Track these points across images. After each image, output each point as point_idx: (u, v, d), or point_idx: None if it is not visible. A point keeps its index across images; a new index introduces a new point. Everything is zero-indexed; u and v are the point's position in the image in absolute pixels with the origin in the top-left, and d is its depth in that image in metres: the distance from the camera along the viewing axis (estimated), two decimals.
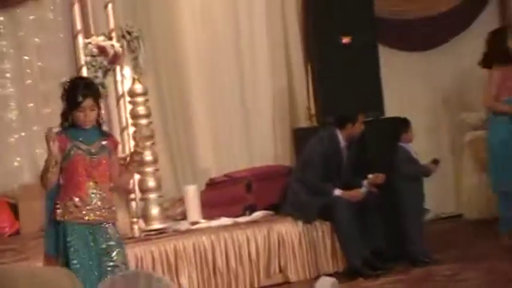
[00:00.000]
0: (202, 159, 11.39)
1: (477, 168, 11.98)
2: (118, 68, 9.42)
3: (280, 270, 9.46)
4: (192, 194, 10.16)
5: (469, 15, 12.84)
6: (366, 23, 10.79)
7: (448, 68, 12.70)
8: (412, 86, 12.51)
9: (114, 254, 6.50)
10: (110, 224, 6.60)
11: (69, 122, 6.55)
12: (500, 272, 8.82)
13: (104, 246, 6.50)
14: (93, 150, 6.58)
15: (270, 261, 9.40)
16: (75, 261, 6.36)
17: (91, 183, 6.56)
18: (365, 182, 9.62)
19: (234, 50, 11.66)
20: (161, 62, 11.36)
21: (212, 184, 10.70)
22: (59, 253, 6.45)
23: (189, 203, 10.09)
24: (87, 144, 6.62)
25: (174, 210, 10.38)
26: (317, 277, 9.35)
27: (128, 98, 9.45)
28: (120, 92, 9.44)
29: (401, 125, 10.11)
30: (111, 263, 6.47)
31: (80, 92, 6.58)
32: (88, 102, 6.59)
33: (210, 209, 10.12)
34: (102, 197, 6.59)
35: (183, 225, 9.79)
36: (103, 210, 6.59)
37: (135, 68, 9.54)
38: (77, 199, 6.51)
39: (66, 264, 6.38)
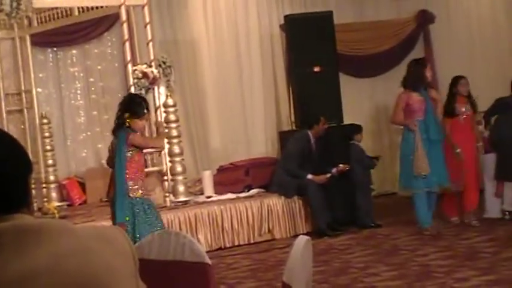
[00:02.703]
0: (215, 152, 11.42)
1: None
2: (156, 87, 9.42)
3: (269, 230, 9.44)
4: (207, 176, 10.16)
5: (402, 53, 12.84)
6: (331, 57, 10.76)
7: (387, 90, 12.67)
8: (362, 102, 12.52)
9: None
10: None
11: (127, 129, 6.51)
12: (424, 232, 8.83)
13: None
14: None
15: (261, 224, 9.38)
16: None
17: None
18: (334, 170, 9.57)
19: (238, 79, 11.73)
20: (186, 84, 11.38)
21: (221, 169, 10.68)
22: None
23: (205, 183, 10.10)
24: None
25: (195, 187, 10.40)
26: (295, 235, 9.44)
27: (162, 109, 9.46)
28: (157, 104, 9.44)
29: (355, 128, 10.13)
30: None
31: (145, 105, 6.59)
32: (148, 114, 6.64)
33: (220, 187, 10.11)
34: None
35: (201, 198, 9.79)
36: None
37: (168, 87, 9.52)
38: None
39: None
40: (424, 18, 12.97)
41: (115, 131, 6.63)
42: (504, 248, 7.42)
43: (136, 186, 6.50)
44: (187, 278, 3.04)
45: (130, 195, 6.47)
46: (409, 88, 8.84)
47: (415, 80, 8.79)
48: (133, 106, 6.56)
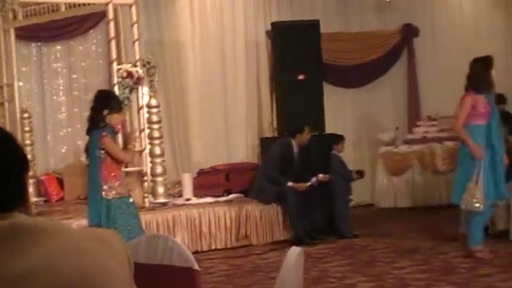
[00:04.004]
0: (195, 155, 11.43)
1: (386, 172, 12.02)
2: (140, 87, 9.37)
3: (246, 236, 9.42)
4: (187, 179, 10.12)
5: (386, 65, 12.92)
6: (316, 66, 10.80)
7: (370, 101, 12.75)
8: (345, 112, 12.56)
9: None
10: None
11: (103, 124, 6.46)
12: (400, 244, 8.85)
13: None
14: None
15: (239, 229, 9.36)
16: None
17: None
18: (314, 179, 9.56)
19: (221, 82, 11.76)
20: (169, 86, 11.38)
21: (202, 173, 10.66)
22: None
23: (185, 185, 10.05)
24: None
25: (174, 189, 10.36)
26: (272, 242, 9.45)
27: (145, 109, 9.41)
28: (140, 105, 9.39)
29: (336, 138, 10.13)
30: None
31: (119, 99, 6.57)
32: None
33: (199, 190, 10.07)
34: None
35: (180, 201, 9.75)
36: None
37: (151, 88, 9.50)
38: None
39: None
40: (409, 32, 13.07)
41: (89, 130, 6.57)
42: (480, 264, 7.45)
43: (111, 187, 6.43)
44: (175, 282, 3.02)
45: (105, 196, 6.39)
46: (472, 90, 7.82)
47: (479, 82, 7.81)
48: (111, 102, 6.55)
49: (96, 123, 6.48)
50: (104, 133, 6.40)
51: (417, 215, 11.06)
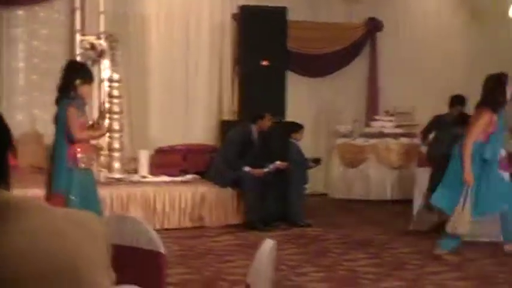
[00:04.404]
0: (153, 132, 11.34)
1: (342, 164, 12.12)
2: (102, 60, 9.29)
3: (200, 218, 9.42)
4: (144, 156, 10.08)
5: (349, 57, 12.99)
6: (281, 54, 10.80)
7: (331, 92, 12.83)
8: (305, 101, 12.60)
9: None
10: None
11: (73, 95, 6.39)
12: (352, 236, 8.94)
13: None
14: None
15: (193, 210, 9.35)
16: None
17: None
18: (271, 166, 9.58)
19: (184, 61, 11.70)
20: (131, 60, 11.25)
21: (159, 151, 10.63)
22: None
23: (141, 162, 10.01)
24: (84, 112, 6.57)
25: (130, 166, 10.29)
26: (226, 225, 9.46)
27: (107, 83, 9.33)
28: (102, 78, 9.31)
29: (294, 126, 10.15)
30: None
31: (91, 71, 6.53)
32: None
33: (155, 168, 10.05)
34: None
35: (135, 178, 9.70)
36: None
37: (113, 61, 9.42)
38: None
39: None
40: (373, 25, 13.16)
41: (58, 100, 6.49)
42: (429, 261, 7.55)
43: (77, 158, 6.41)
44: (141, 264, 3.01)
45: (70, 166, 6.35)
46: (489, 108, 7.43)
47: (498, 102, 7.46)
48: (83, 72, 6.51)
49: (66, 93, 6.42)
50: (71, 104, 6.35)
51: (369, 208, 11.18)
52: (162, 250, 3.03)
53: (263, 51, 10.70)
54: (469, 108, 9.11)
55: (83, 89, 6.40)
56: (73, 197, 6.27)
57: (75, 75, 6.41)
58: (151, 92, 11.40)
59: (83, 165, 6.44)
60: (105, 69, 9.50)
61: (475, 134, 7.45)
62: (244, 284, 2.50)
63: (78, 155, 6.39)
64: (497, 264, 7.45)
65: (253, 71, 10.70)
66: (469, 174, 7.41)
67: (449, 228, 7.57)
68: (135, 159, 10.30)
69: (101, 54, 9.30)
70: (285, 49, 10.90)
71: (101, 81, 9.32)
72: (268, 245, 2.58)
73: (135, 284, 2.58)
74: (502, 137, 7.86)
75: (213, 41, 11.84)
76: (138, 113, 11.28)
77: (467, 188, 7.43)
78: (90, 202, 6.40)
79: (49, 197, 6.35)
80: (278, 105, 10.51)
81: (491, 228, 8.36)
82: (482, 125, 7.46)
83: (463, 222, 7.46)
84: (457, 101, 9.89)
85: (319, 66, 12.60)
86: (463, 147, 7.53)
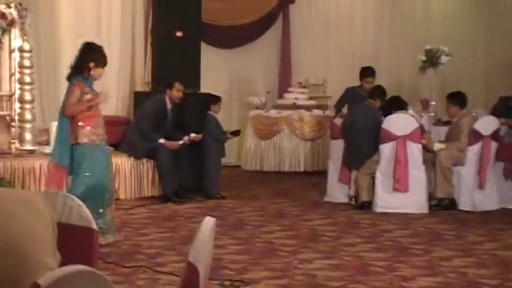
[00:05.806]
0: None
1: (255, 135, 12.19)
2: (13, 30, 9.05)
3: (114, 190, 9.32)
4: (55, 128, 9.83)
5: (262, 28, 13.05)
6: (195, 24, 10.74)
7: (243, 63, 12.86)
8: (219, 73, 12.61)
9: None
10: None
11: (86, 75, 6.75)
12: (267, 209, 9.03)
13: None
14: None
15: None
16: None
17: None
18: (186, 138, 9.55)
19: (95, 30, 11.42)
20: (41, 30, 10.96)
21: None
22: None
23: (52, 134, 9.78)
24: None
25: (42, 137, 10.06)
26: (140, 197, 9.42)
27: (17, 53, 9.10)
28: (12, 48, 9.07)
29: (213, 99, 10.13)
30: None
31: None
32: None
33: None
34: None
35: (47, 149, 9.48)
36: None
37: (22, 31, 9.20)
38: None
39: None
40: None
41: (71, 76, 6.83)
42: (344, 234, 7.70)
43: (84, 133, 6.75)
44: (73, 241, 2.96)
45: (79, 141, 6.75)
46: None
47: None
48: (98, 55, 6.79)
49: (79, 71, 6.75)
50: (79, 81, 6.70)
51: (282, 180, 11.31)
52: (94, 226, 2.99)
53: (177, 22, 10.61)
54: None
55: (97, 72, 6.76)
56: (86, 173, 6.63)
57: (90, 57, 6.72)
58: (62, 62, 11.10)
59: (88, 139, 6.73)
60: (15, 38, 9.25)
61: None
62: (186, 262, 2.50)
63: (86, 129, 6.71)
64: (411, 235, 7.67)
65: (167, 41, 10.60)
66: None
67: None
68: (47, 131, 10.08)
69: (11, 23, 9.04)
70: (199, 20, 10.84)
71: (12, 51, 9.07)
72: (209, 223, 2.58)
73: (69, 260, 2.53)
74: None
75: (124, 9, 11.61)
76: (49, 83, 11.02)
77: None
78: (100, 176, 6.71)
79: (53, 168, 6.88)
80: (192, 77, 10.46)
81: (404, 200, 8.61)
82: None
83: None
84: (368, 73, 10.09)
85: (233, 37, 12.64)
86: None
